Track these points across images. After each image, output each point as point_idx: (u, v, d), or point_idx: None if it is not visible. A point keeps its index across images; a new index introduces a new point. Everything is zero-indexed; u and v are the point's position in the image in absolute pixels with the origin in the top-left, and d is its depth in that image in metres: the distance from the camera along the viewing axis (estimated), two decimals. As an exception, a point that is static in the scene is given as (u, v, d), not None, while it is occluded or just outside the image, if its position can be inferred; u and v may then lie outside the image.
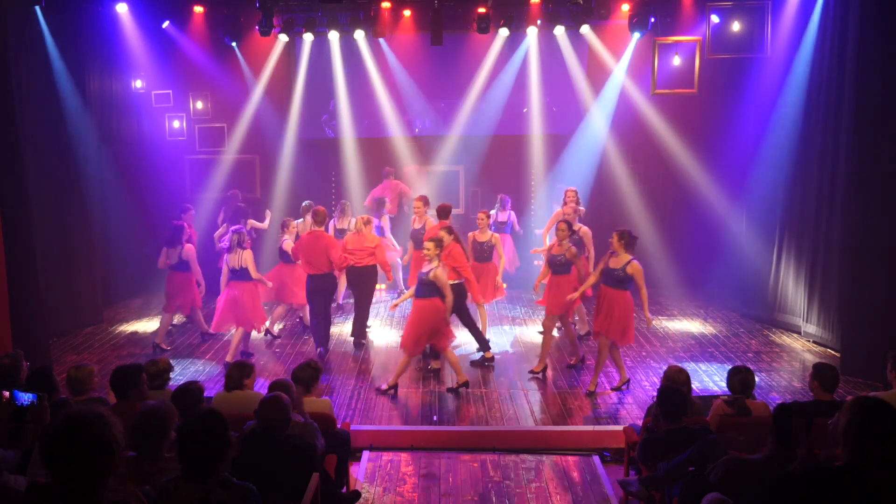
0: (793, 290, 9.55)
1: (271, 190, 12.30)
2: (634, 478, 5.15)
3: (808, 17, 9.22)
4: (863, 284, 7.88)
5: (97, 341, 9.45)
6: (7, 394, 3.72)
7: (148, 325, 10.23)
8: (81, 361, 6.47)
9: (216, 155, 12.28)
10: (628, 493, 5.10)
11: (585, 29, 11.29)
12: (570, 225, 8.11)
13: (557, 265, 7.94)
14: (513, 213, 10.78)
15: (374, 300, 9.33)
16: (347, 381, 7.89)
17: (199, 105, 12.24)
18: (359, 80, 12.43)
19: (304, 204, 10.22)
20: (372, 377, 8.00)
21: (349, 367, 8.37)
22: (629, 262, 7.12)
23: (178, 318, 9.89)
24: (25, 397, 3.69)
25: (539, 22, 11.13)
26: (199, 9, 11.17)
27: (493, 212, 10.33)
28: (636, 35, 10.93)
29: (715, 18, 10.45)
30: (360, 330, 9.01)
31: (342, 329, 9.78)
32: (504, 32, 11.46)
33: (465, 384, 7.44)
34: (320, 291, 8.55)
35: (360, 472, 5.96)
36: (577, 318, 8.91)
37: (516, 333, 9.61)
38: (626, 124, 11.87)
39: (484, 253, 8.96)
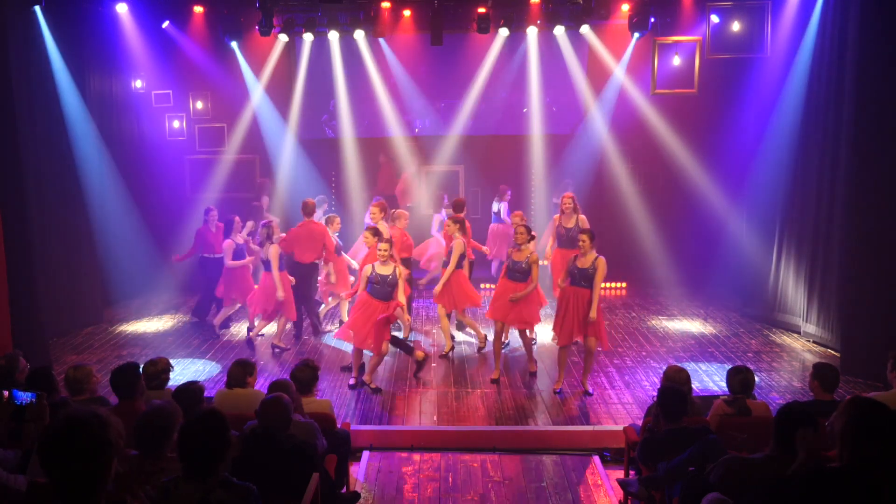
0: (793, 289, 9.55)
1: (271, 190, 12.30)
2: (634, 478, 5.15)
3: (808, 17, 9.22)
4: (863, 284, 7.88)
5: (97, 341, 9.45)
6: (6, 393, 3.72)
7: (148, 325, 10.24)
8: (81, 361, 6.48)
9: (216, 155, 12.29)
10: (628, 493, 5.10)
11: (585, 29, 11.30)
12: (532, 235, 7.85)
13: (518, 272, 7.66)
14: (504, 204, 11.14)
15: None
16: (347, 381, 7.88)
17: (199, 105, 12.24)
18: (359, 80, 12.43)
19: (314, 199, 10.16)
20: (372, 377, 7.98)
21: (349, 367, 8.36)
22: (597, 259, 7.22)
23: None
24: (24, 396, 3.70)
25: (539, 22, 11.13)
26: (199, 9, 11.17)
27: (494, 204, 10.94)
28: (636, 35, 10.94)
29: (715, 18, 10.45)
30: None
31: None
32: (504, 32, 11.47)
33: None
34: (306, 278, 9.05)
35: (360, 472, 5.95)
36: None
37: (516, 333, 9.58)
38: (626, 124, 11.88)
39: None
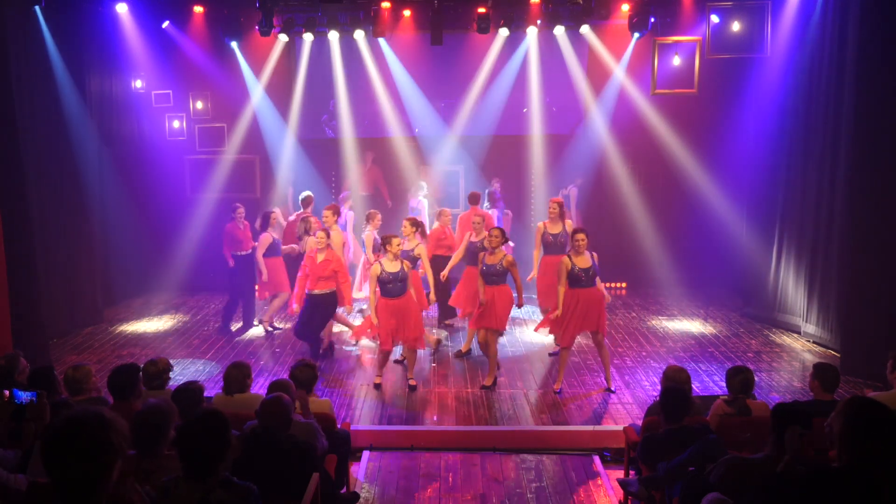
0: (793, 290, 9.55)
1: (271, 190, 12.30)
2: (634, 478, 5.15)
3: (808, 17, 9.23)
4: (863, 284, 7.88)
5: (97, 341, 9.45)
6: (7, 393, 3.72)
7: (148, 325, 10.24)
8: (81, 361, 6.48)
9: (216, 155, 12.29)
10: (628, 493, 5.10)
11: (585, 29, 11.30)
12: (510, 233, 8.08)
13: (494, 275, 7.51)
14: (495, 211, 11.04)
15: None
16: (347, 381, 7.89)
17: (199, 105, 12.24)
18: (359, 80, 12.43)
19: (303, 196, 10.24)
20: (372, 377, 7.99)
21: (349, 367, 8.38)
22: (592, 255, 7.32)
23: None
24: (24, 396, 3.70)
25: (539, 22, 11.12)
26: (199, 9, 11.17)
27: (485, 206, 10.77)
28: (636, 35, 10.93)
29: (715, 18, 10.44)
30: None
31: (342, 329, 9.80)
32: (504, 32, 11.46)
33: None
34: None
35: (360, 472, 5.96)
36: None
37: (516, 334, 9.60)
38: (626, 124, 11.88)
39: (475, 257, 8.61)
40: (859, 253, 7.91)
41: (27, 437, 3.73)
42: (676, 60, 11.04)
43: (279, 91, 12.26)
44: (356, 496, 5.40)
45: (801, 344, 9.11)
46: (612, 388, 7.47)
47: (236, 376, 5.14)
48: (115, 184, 11.01)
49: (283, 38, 11.64)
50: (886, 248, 7.71)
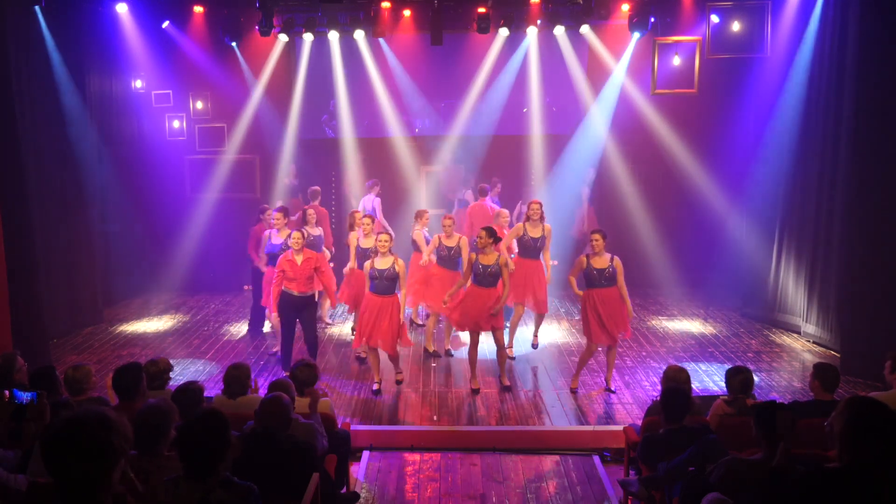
0: (793, 290, 9.55)
1: (271, 190, 12.30)
2: (634, 478, 5.14)
3: (808, 17, 9.22)
4: (862, 284, 7.88)
5: (97, 341, 9.45)
6: (7, 393, 3.73)
7: (148, 325, 10.24)
8: (81, 361, 6.47)
9: (216, 155, 12.29)
10: (628, 493, 5.10)
11: (585, 29, 11.30)
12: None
13: (492, 276, 7.31)
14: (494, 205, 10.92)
15: None
16: (347, 381, 7.89)
17: (199, 105, 12.24)
18: (359, 80, 12.42)
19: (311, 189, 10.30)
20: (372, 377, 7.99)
21: (349, 368, 8.37)
22: (613, 258, 7.27)
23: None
24: (24, 396, 3.70)
25: (539, 22, 11.12)
26: (199, 9, 11.17)
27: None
28: (636, 35, 10.94)
29: (715, 18, 10.45)
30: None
31: (342, 329, 9.81)
32: (504, 32, 11.46)
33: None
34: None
35: (360, 472, 5.96)
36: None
37: (516, 334, 9.58)
38: (626, 124, 11.88)
39: (451, 260, 8.35)
40: (859, 253, 7.91)
41: (27, 437, 3.73)
42: (676, 60, 11.04)
43: (279, 91, 12.26)
44: (356, 496, 5.40)
45: (801, 344, 9.11)
46: (613, 388, 7.47)
47: (241, 378, 5.13)
48: (115, 184, 11.01)
49: (283, 38, 11.64)
50: (886, 248, 7.71)
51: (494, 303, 7.27)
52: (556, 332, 9.66)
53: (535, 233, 8.24)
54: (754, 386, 5.18)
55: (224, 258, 11.68)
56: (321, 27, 11.34)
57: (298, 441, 4.25)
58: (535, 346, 8.73)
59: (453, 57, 12.23)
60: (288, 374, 5.35)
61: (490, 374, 7.99)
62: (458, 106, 12.49)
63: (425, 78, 12.46)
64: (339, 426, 5.51)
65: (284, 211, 8.65)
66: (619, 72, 11.70)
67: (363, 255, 8.20)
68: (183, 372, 8.00)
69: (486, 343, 8.57)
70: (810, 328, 9.16)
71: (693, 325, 9.98)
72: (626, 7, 10.76)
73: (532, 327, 8.90)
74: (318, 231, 9.36)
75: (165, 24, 11.32)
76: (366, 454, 6.26)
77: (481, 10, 10.58)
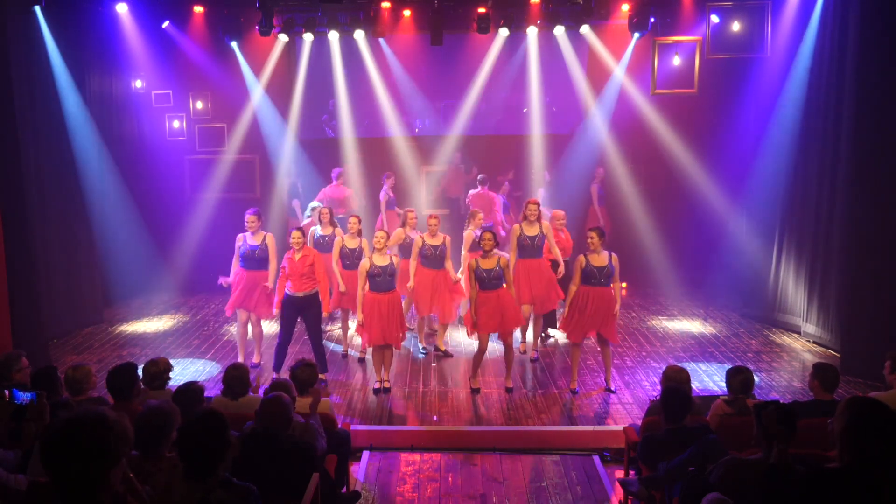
0: (793, 290, 9.55)
1: (271, 190, 12.31)
2: (634, 478, 5.15)
3: (808, 17, 9.22)
4: (863, 284, 7.88)
5: (97, 341, 9.45)
6: (7, 393, 3.73)
7: (148, 325, 10.24)
8: (81, 361, 6.48)
9: (216, 155, 12.29)
10: (628, 493, 5.10)
11: (585, 29, 11.30)
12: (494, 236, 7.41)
13: (495, 279, 7.24)
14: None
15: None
16: (347, 381, 7.89)
17: (199, 105, 12.25)
18: (359, 80, 12.43)
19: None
20: (371, 377, 7.99)
21: (349, 368, 8.37)
22: (611, 255, 7.26)
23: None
24: (24, 396, 3.70)
25: (539, 22, 11.12)
26: (199, 9, 11.17)
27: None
28: (636, 35, 10.93)
29: (715, 18, 10.44)
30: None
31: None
32: (504, 32, 11.46)
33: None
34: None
35: (360, 472, 5.96)
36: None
37: (516, 334, 9.58)
38: (626, 124, 11.88)
39: (437, 259, 8.28)
40: (859, 253, 7.91)
41: (27, 437, 3.73)
42: (676, 60, 11.04)
43: (279, 91, 12.26)
44: (357, 495, 5.40)
45: (801, 344, 9.11)
46: (613, 388, 7.47)
47: (243, 378, 5.13)
48: (115, 184, 11.00)
49: (283, 38, 11.64)
50: (887, 248, 7.71)
51: (510, 304, 7.29)
52: (557, 333, 9.65)
53: (531, 231, 8.22)
54: (754, 386, 5.18)
55: (224, 258, 11.66)
56: (321, 27, 11.35)
57: (298, 441, 4.26)
58: (533, 358, 8.58)
59: (453, 57, 12.23)
60: (277, 375, 5.34)
61: (490, 374, 7.99)
62: (458, 106, 12.50)
63: (425, 78, 12.47)
64: (339, 426, 5.51)
65: (258, 214, 8.34)
66: (619, 72, 11.71)
67: (350, 255, 8.34)
68: (183, 372, 8.00)
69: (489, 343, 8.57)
70: (810, 328, 9.16)
71: (693, 325, 9.98)
72: (626, 7, 10.76)
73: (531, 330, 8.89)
74: (328, 231, 9.07)
75: (165, 24, 11.31)
76: (366, 454, 6.25)
77: (481, 10, 10.57)
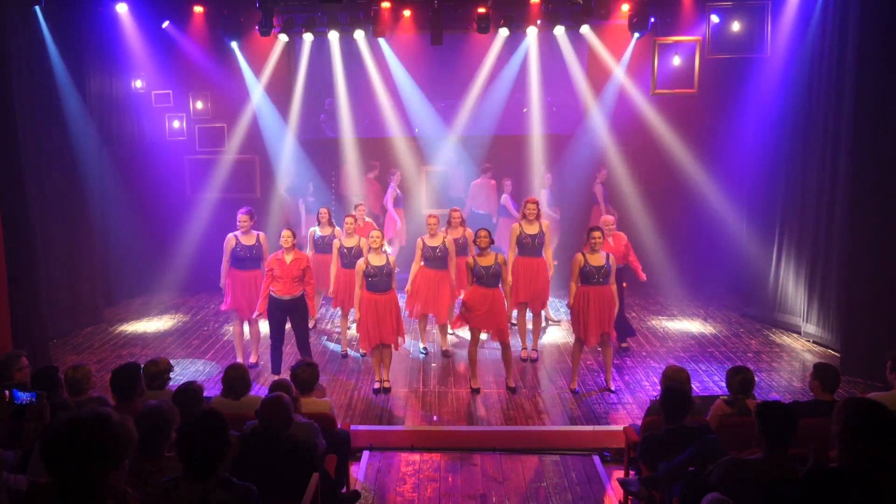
0: (793, 290, 9.55)
1: (271, 190, 12.31)
2: (634, 478, 5.15)
3: (808, 17, 9.22)
4: (863, 284, 7.88)
5: (97, 341, 9.45)
6: (7, 393, 3.73)
7: (148, 325, 10.24)
8: (81, 361, 6.47)
9: (216, 155, 12.29)
10: (628, 493, 5.10)
11: (585, 29, 11.29)
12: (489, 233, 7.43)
13: (493, 277, 7.28)
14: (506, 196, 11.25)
15: None
16: (348, 381, 7.89)
17: (199, 105, 12.24)
18: (359, 80, 12.42)
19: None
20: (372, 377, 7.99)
21: (349, 368, 8.37)
22: (608, 256, 7.26)
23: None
24: (24, 396, 3.71)
25: (539, 22, 11.11)
26: (199, 9, 11.16)
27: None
28: (636, 35, 10.92)
29: (715, 18, 10.44)
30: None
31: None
32: (504, 32, 11.45)
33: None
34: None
35: (360, 472, 5.96)
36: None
37: (517, 340, 9.58)
38: (626, 124, 11.88)
39: (438, 260, 8.27)
40: (859, 253, 7.91)
41: (27, 437, 3.74)
42: (676, 60, 11.04)
43: (279, 91, 12.26)
44: (357, 495, 5.40)
45: (801, 344, 9.11)
46: (613, 388, 7.47)
47: (244, 378, 5.12)
48: (115, 184, 11.01)
49: (283, 38, 11.63)
50: (886, 248, 7.71)
51: (503, 304, 7.30)
52: (557, 333, 9.66)
53: (531, 230, 8.22)
54: (754, 386, 5.18)
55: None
56: (321, 27, 11.34)
57: (299, 441, 4.26)
58: (533, 359, 8.55)
59: (453, 57, 12.22)
60: (277, 377, 5.34)
61: (490, 374, 7.99)
62: (458, 106, 12.49)
63: (425, 78, 12.46)
64: (339, 426, 5.51)
65: (250, 213, 8.29)
66: (619, 72, 11.70)
67: (348, 254, 8.41)
68: (183, 372, 8.00)
69: (487, 344, 8.58)
70: (810, 328, 9.16)
71: (693, 325, 9.98)
72: (626, 7, 10.75)
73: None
74: (327, 231, 9.10)
75: (165, 24, 11.31)
76: (366, 454, 6.26)
77: (481, 10, 10.57)
